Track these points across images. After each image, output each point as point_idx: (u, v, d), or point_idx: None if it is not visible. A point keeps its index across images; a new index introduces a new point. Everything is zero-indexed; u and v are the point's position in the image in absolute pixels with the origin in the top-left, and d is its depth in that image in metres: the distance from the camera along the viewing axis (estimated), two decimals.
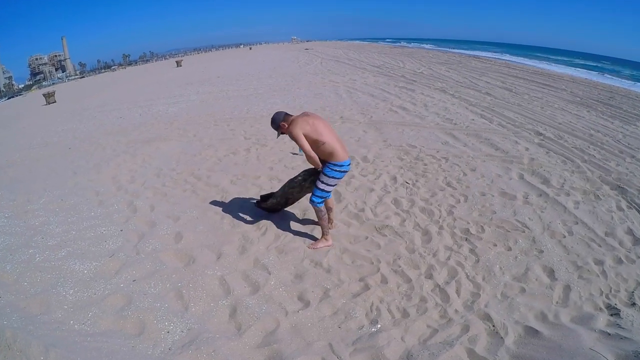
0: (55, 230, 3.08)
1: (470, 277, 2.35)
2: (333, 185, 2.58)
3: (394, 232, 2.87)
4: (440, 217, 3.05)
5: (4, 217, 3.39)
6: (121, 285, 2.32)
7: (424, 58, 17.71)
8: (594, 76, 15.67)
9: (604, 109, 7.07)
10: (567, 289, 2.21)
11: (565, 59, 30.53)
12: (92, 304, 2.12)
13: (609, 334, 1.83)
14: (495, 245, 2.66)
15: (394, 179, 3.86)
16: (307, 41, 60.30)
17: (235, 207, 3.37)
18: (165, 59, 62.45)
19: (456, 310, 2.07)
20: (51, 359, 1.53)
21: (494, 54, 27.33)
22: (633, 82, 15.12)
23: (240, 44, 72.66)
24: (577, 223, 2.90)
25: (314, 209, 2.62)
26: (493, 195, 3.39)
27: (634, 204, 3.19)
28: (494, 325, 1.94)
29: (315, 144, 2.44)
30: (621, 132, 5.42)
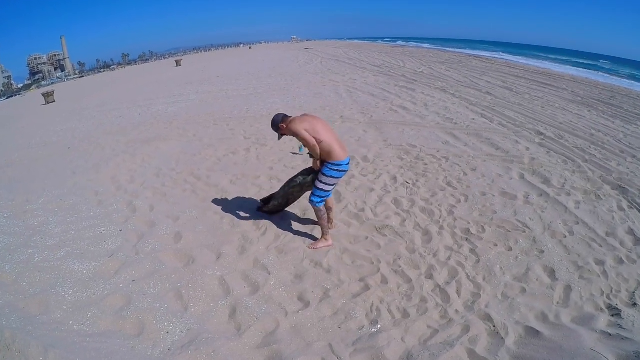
0: (54, 230, 3.07)
1: (470, 277, 2.35)
2: (332, 185, 2.58)
3: (394, 232, 2.86)
4: (440, 217, 3.04)
5: (3, 217, 3.38)
6: (120, 285, 2.32)
7: (424, 57, 17.69)
8: (586, 74, 15.67)
9: (605, 108, 7.06)
10: (568, 289, 2.20)
11: (563, 57, 30.56)
12: (92, 305, 2.12)
13: (610, 335, 1.83)
14: (496, 246, 2.65)
15: (394, 178, 3.85)
16: (307, 40, 60.21)
17: (235, 207, 3.37)
18: (164, 58, 62.38)
19: (457, 311, 2.07)
20: (50, 359, 1.53)
21: (491, 53, 27.34)
22: (630, 81, 15.12)
23: (240, 44, 72.56)
24: (578, 223, 2.89)
25: (314, 208, 2.61)
26: (494, 195, 3.39)
27: (635, 204, 3.18)
28: (494, 326, 1.94)
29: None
30: (622, 132, 5.41)
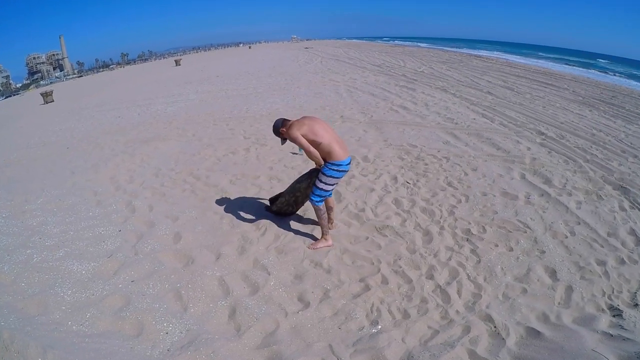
0: (53, 230, 3.06)
1: (471, 277, 2.34)
2: (332, 185, 2.57)
3: (394, 233, 2.85)
4: (441, 217, 3.03)
5: (1, 218, 3.37)
6: (120, 285, 2.31)
7: (424, 57, 17.68)
8: (581, 72, 15.71)
9: (606, 108, 7.05)
10: (569, 289, 2.19)
11: (561, 56, 30.58)
12: (91, 305, 2.11)
13: (612, 335, 1.82)
14: (497, 246, 2.64)
15: (395, 178, 3.84)
16: (307, 40, 60.21)
17: (234, 207, 3.35)
18: (164, 57, 62.28)
19: (457, 311, 2.06)
20: None
21: (488, 52, 27.35)
22: (627, 80, 15.16)
23: (240, 43, 72.44)
24: (579, 223, 2.88)
25: (314, 207, 2.61)
26: (494, 195, 3.38)
27: (636, 204, 3.17)
28: (495, 326, 1.93)
29: (313, 144, 2.47)
30: (624, 132, 5.39)
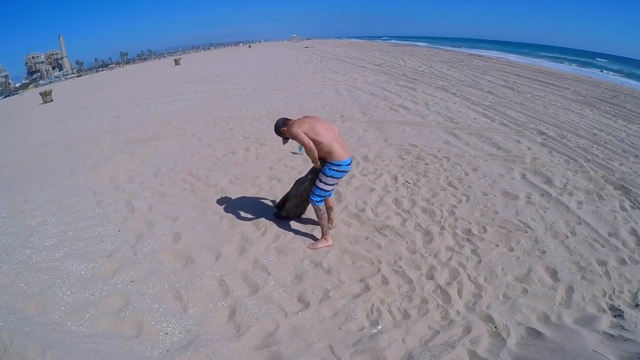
0: (52, 230, 3.05)
1: (472, 278, 2.33)
2: (332, 185, 2.57)
3: (394, 233, 2.84)
4: (441, 217, 3.02)
5: (1, 218, 3.36)
6: (119, 286, 2.30)
7: (425, 56, 17.65)
8: (579, 71, 15.76)
9: (607, 107, 7.03)
10: (570, 290, 2.19)
11: (558, 55, 30.59)
12: (90, 305, 2.10)
13: (612, 336, 1.82)
14: (497, 246, 2.63)
15: (395, 178, 3.84)
16: (307, 39, 60.11)
17: (234, 207, 3.35)
18: (163, 57, 62.23)
19: (458, 312, 2.05)
20: None
21: (486, 51, 27.36)
22: (625, 79, 15.23)
23: (240, 42, 72.39)
24: (580, 223, 2.88)
25: (314, 207, 2.61)
26: (495, 195, 3.37)
27: (637, 204, 3.17)
28: (496, 327, 1.93)
29: (313, 143, 2.46)
30: (625, 131, 5.38)
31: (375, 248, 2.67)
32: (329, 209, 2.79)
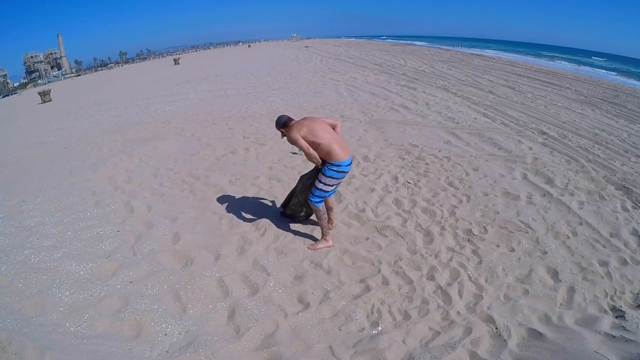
0: (51, 231, 3.04)
1: (472, 278, 2.32)
2: (332, 185, 2.55)
3: (395, 233, 2.83)
4: (442, 218, 3.01)
5: None
6: (118, 286, 2.29)
7: (425, 56, 17.64)
8: (578, 70, 15.82)
9: (608, 107, 7.02)
10: (571, 290, 2.18)
11: (556, 54, 30.59)
12: (89, 306, 2.10)
13: (614, 337, 1.81)
14: (498, 246, 2.62)
15: (395, 178, 3.83)
16: (307, 39, 60.08)
17: (234, 208, 3.34)
18: (162, 56, 62.12)
19: (458, 312, 2.05)
20: None
21: (484, 51, 27.36)
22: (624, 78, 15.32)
23: (239, 42, 72.28)
24: (581, 224, 2.87)
25: (313, 208, 2.59)
26: (496, 196, 3.36)
27: (639, 205, 3.16)
28: (496, 328, 1.92)
29: (312, 145, 2.46)
30: (626, 131, 5.37)
31: (376, 248, 2.66)
32: (329, 209, 2.78)
